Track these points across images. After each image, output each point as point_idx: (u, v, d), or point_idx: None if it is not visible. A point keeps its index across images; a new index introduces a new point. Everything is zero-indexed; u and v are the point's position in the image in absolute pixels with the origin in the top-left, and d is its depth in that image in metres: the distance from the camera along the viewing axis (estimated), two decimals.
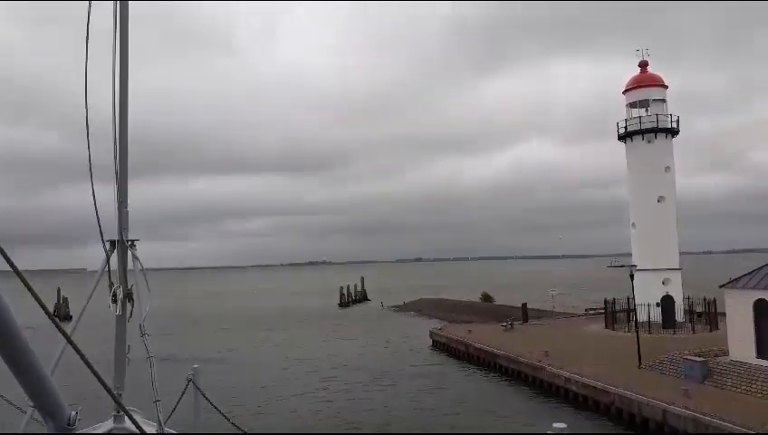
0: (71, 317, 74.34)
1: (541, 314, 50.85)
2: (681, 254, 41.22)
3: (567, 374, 27.51)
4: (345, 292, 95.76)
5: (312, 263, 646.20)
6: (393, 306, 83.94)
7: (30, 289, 2.16)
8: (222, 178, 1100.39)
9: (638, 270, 39.04)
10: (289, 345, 50.42)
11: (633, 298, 30.74)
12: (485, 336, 40.15)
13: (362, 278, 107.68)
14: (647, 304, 37.49)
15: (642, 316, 38.02)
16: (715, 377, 24.25)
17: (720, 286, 26.64)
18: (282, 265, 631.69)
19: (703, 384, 24.06)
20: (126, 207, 5.24)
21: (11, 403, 4.88)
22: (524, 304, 47.54)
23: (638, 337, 28.61)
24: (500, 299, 76.57)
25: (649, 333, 36.25)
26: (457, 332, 43.49)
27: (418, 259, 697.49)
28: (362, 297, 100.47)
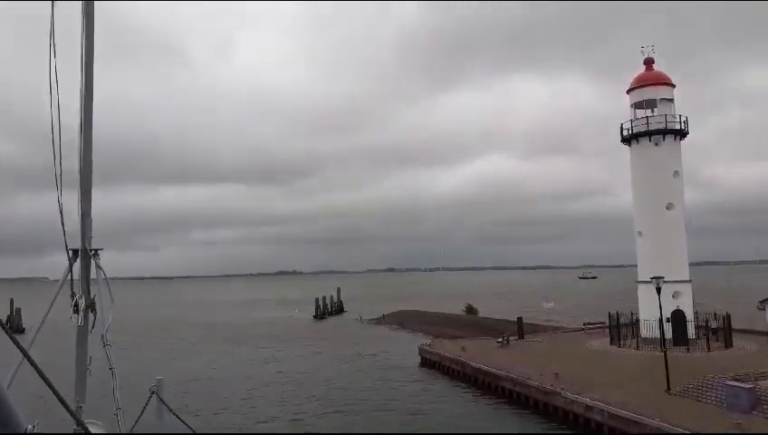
0: (23, 329, 69.11)
1: (535, 328, 47.58)
2: None
3: (588, 401, 24.07)
4: (321, 303, 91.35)
5: (282, 272, 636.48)
6: (372, 319, 79.92)
7: None
8: (187, 187, 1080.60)
9: (644, 282, 36.41)
10: (261, 361, 46.44)
11: (660, 312, 27.45)
12: (481, 354, 36.63)
13: (338, 289, 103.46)
14: (656, 318, 34.52)
15: (651, 332, 35.15)
16: (765, 407, 21.08)
17: (761, 302, 23.59)
18: (251, 274, 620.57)
19: (751, 415, 20.87)
20: (89, 216, 5.17)
21: None
22: (520, 319, 44.22)
23: (665, 357, 25.31)
24: (482, 311, 73.34)
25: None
26: (450, 348, 39.82)
27: (390, 269, 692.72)
28: (339, 309, 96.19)
